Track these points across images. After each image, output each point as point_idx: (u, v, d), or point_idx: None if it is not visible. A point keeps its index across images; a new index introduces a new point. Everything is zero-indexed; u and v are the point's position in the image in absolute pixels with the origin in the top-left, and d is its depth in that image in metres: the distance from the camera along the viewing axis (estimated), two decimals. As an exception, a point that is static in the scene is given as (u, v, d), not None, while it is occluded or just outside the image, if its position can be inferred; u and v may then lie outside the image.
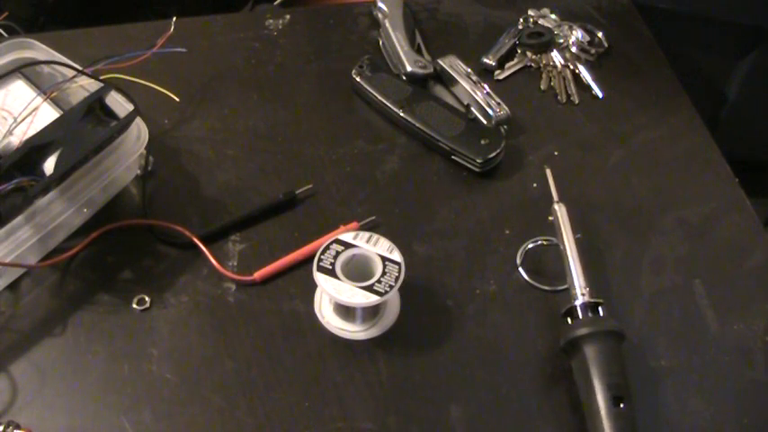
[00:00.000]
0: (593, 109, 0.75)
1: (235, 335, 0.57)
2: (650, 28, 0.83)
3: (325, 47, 0.79)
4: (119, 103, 0.60)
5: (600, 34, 0.81)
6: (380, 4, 0.79)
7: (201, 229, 0.62)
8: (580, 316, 0.54)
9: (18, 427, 0.50)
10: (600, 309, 0.55)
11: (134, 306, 0.58)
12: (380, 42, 0.79)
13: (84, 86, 0.62)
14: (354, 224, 0.63)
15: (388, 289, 0.53)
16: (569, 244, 0.58)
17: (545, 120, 0.74)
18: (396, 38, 0.76)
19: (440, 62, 0.74)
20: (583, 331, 0.53)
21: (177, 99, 0.70)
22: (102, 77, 0.61)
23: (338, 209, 0.65)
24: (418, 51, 0.76)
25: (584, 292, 0.55)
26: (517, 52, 0.80)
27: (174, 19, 0.70)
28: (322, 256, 0.54)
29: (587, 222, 0.65)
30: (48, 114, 0.61)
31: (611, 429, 0.49)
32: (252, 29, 0.80)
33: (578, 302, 0.55)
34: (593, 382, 0.51)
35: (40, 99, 0.62)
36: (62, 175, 0.55)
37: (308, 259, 0.59)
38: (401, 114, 0.70)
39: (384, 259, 0.54)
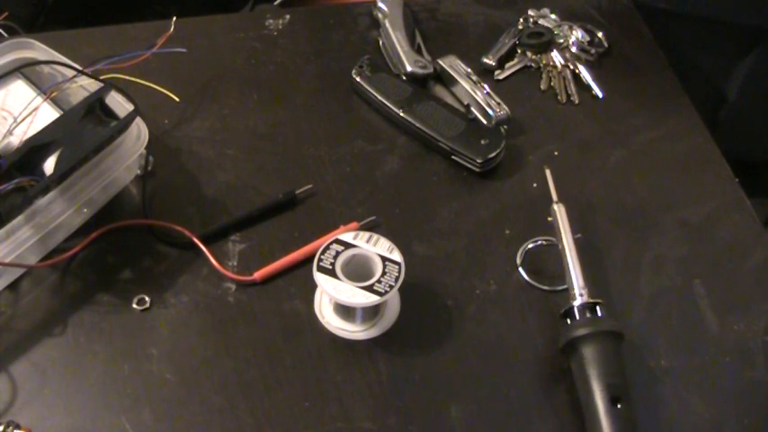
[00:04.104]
0: (593, 109, 0.75)
1: (235, 335, 0.57)
2: (650, 28, 0.83)
3: (325, 47, 0.79)
4: (119, 103, 0.60)
5: (600, 34, 0.81)
6: (380, 4, 0.79)
7: (201, 229, 0.62)
8: (578, 317, 0.54)
9: (18, 427, 0.50)
10: (598, 309, 0.55)
11: (134, 306, 0.58)
12: (380, 42, 0.79)
13: (84, 86, 0.62)
14: (354, 224, 0.63)
15: (388, 289, 0.53)
16: (568, 244, 0.58)
17: (545, 120, 0.74)
18: (396, 38, 0.76)
19: (440, 62, 0.74)
20: (580, 332, 0.53)
21: (177, 99, 0.70)
22: (102, 77, 0.61)
23: (338, 209, 0.65)
24: (418, 51, 0.76)
25: (582, 292, 0.55)
26: (517, 52, 0.80)
27: (174, 19, 0.70)
28: (322, 256, 0.54)
29: (587, 222, 0.65)
30: (48, 114, 0.61)
31: (609, 429, 0.49)
32: (252, 29, 0.80)
33: (576, 303, 0.55)
34: (590, 382, 0.51)
35: (40, 99, 0.62)
36: (62, 175, 0.55)
37: (308, 259, 0.59)
38: (401, 114, 0.70)
39: (384, 259, 0.54)
